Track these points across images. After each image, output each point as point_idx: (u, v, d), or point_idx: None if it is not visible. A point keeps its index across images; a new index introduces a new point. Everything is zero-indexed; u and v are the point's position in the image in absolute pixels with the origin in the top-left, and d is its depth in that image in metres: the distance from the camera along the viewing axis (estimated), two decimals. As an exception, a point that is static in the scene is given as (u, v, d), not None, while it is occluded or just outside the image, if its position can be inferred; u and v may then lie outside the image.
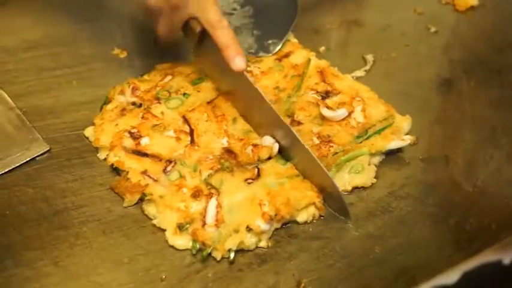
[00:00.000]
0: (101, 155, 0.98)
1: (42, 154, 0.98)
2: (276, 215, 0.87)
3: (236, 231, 0.86)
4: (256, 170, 0.93)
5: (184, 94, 1.04)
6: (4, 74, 1.12)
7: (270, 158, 0.96)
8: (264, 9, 1.22)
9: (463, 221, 0.91)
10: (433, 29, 1.31)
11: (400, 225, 0.90)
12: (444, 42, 1.28)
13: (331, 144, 0.97)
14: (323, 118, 1.01)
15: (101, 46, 1.14)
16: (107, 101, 1.06)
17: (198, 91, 1.05)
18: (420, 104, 1.12)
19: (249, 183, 0.91)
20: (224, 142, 0.97)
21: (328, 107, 1.02)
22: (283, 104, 1.05)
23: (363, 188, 0.96)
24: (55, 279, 0.81)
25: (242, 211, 0.87)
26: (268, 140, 0.96)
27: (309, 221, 0.90)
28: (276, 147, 0.96)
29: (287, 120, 1.01)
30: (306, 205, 0.90)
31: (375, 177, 0.97)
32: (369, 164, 0.98)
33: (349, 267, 0.85)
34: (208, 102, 1.03)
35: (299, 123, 1.01)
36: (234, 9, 1.24)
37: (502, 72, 1.20)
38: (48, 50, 1.18)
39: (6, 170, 0.94)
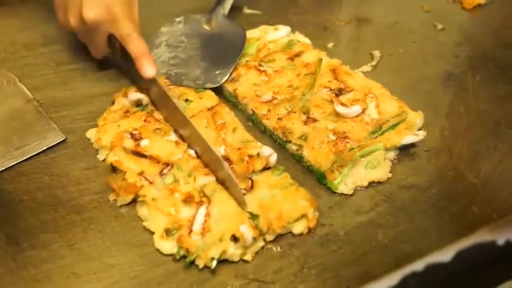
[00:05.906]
0: (101, 156, 1.00)
1: (58, 144, 1.02)
2: (268, 229, 0.86)
3: (221, 240, 0.84)
4: (249, 181, 0.91)
5: (186, 100, 1.06)
6: (23, 68, 1.17)
7: (269, 168, 0.95)
8: (211, 41, 1.20)
9: (465, 210, 0.92)
10: (440, 26, 1.33)
11: (403, 213, 0.92)
12: (451, 39, 1.30)
13: (347, 140, 0.99)
14: (337, 115, 1.03)
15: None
16: (113, 102, 1.08)
17: (200, 98, 1.07)
18: (426, 99, 1.13)
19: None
20: (221, 150, 0.96)
21: (342, 104, 1.03)
22: (298, 102, 1.06)
23: (379, 182, 0.97)
24: (69, 261, 0.85)
25: (230, 221, 0.86)
26: (266, 151, 0.95)
27: (305, 233, 0.88)
28: (273, 158, 0.94)
29: (303, 117, 1.03)
30: (298, 217, 0.88)
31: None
32: (384, 159, 0.99)
33: (352, 253, 0.86)
34: (209, 109, 1.04)
35: (314, 120, 1.02)
36: (182, 41, 1.20)
37: (508, 68, 1.21)
38: (65, 44, 1.23)
39: (24, 158, 0.99)
